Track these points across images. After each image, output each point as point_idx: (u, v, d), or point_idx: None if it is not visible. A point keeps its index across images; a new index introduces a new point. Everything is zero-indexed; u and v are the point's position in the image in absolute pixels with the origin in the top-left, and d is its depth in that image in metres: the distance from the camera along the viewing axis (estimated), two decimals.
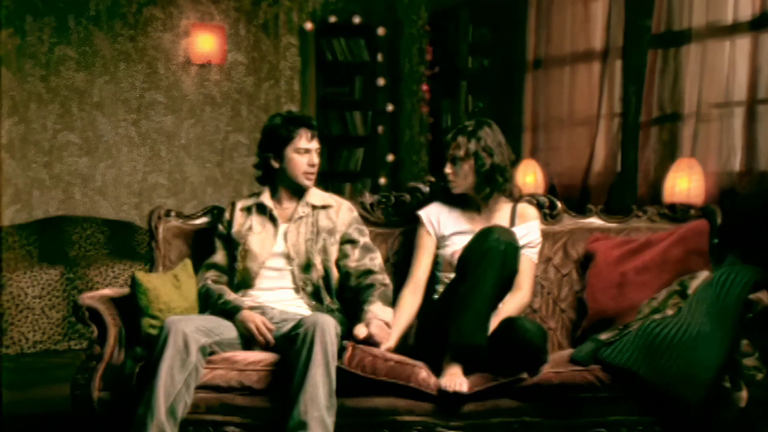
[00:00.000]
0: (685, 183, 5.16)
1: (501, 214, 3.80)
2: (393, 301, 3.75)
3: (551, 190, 6.49)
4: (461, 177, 3.75)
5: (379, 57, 7.95)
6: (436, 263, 3.81)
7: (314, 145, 3.85)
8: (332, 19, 7.87)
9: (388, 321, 3.62)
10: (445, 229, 3.80)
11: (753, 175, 5.00)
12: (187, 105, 7.42)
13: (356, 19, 7.90)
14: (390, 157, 8.06)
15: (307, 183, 3.86)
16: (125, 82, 7.20)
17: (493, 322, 3.40)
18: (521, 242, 3.59)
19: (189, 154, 7.46)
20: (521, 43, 6.93)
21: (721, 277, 3.21)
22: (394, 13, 8.11)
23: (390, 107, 8.01)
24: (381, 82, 7.95)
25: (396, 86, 8.11)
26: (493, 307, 3.41)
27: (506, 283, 3.44)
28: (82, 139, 7.08)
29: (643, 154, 5.73)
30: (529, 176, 6.50)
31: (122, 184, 7.22)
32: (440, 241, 3.81)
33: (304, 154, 3.82)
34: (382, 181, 7.96)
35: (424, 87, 7.81)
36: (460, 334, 3.31)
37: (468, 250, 3.45)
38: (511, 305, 3.59)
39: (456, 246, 3.69)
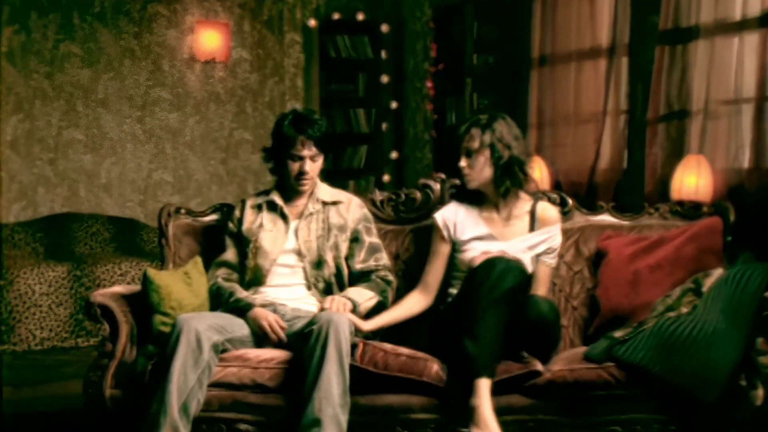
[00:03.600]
0: (693, 180, 5.14)
1: (520, 217, 3.68)
2: (395, 297, 3.79)
3: (557, 187, 6.48)
4: (477, 170, 3.62)
5: (383, 54, 7.94)
6: (453, 265, 3.72)
7: (307, 152, 3.78)
8: (336, 16, 7.86)
9: (351, 298, 3.61)
10: (462, 233, 3.67)
11: (762, 172, 4.98)
12: (191, 102, 7.41)
13: (360, 16, 7.89)
14: (394, 155, 8.06)
15: (299, 189, 3.84)
16: (130, 79, 7.19)
17: None
18: (541, 248, 3.56)
19: (194, 151, 7.45)
20: (526, 40, 6.90)
21: (736, 275, 3.19)
22: (398, 10, 8.10)
23: (394, 104, 8.01)
24: (385, 79, 7.93)
25: (400, 83, 8.10)
26: (503, 334, 3.30)
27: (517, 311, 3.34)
28: (87, 136, 7.07)
29: (651, 151, 5.71)
30: (535, 173, 6.48)
31: (127, 181, 7.21)
32: (458, 245, 3.69)
33: (297, 160, 3.80)
34: (386, 178, 7.95)
35: (429, 84, 7.80)
36: (474, 370, 3.22)
37: (473, 291, 3.30)
38: None
39: (474, 251, 3.59)
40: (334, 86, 8.00)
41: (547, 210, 3.69)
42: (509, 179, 3.60)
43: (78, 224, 6.73)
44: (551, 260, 3.66)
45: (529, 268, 3.53)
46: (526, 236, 3.63)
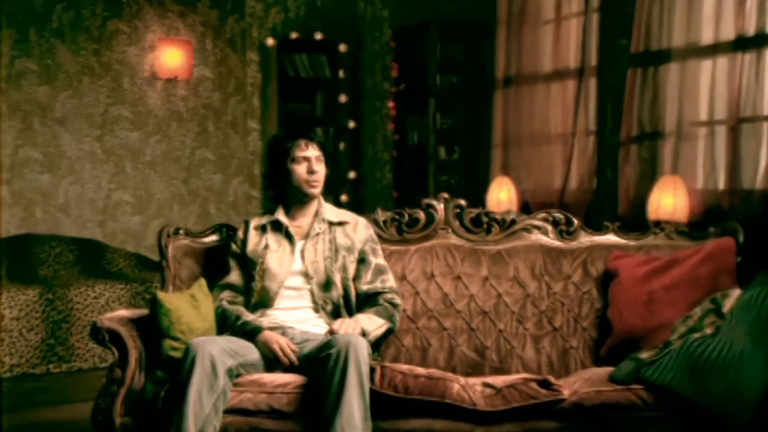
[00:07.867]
0: (670, 201, 5.23)
1: None
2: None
3: (525, 207, 6.53)
4: None
5: (341, 73, 7.89)
6: None
7: (312, 152, 3.80)
8: (294, 35, 7.79)
9: (362, 327, 3.54)
10: None
11: (737, 193, 5.08)
12: (152, 120, 7.25)
13: (318, 36, 7.84)
14: (352, 174, 8.01)
15: (310, 191, 3.81)
16: (89, 96, 7.00)
17: None
18: None
19: (155, 170, 7.28)
20: (491, 61, 6.97)
21: (758, 297, 3.17)
22: (356, 29, 8.08)
23: (352, 124, 7.96)
24: (343, 98, 7.87)
25: (358, 103, 8.08)
26: None
27: None
28: (44, 155, 6.85)
29: (623, 171, 5.79)
30: (503, 193, 6.52)
31: (86, 202, 7.01)
32: None
33: (302, 162, 3.78)
34: (344, 198, 7.88)
35: (390, 104, 7.79)
36: None
37: None
38: None
39: None
40: (292, 105, 7.91)
41: None
42: None
43: (40, 246, 6.48)
44: None
45: None
46: None
